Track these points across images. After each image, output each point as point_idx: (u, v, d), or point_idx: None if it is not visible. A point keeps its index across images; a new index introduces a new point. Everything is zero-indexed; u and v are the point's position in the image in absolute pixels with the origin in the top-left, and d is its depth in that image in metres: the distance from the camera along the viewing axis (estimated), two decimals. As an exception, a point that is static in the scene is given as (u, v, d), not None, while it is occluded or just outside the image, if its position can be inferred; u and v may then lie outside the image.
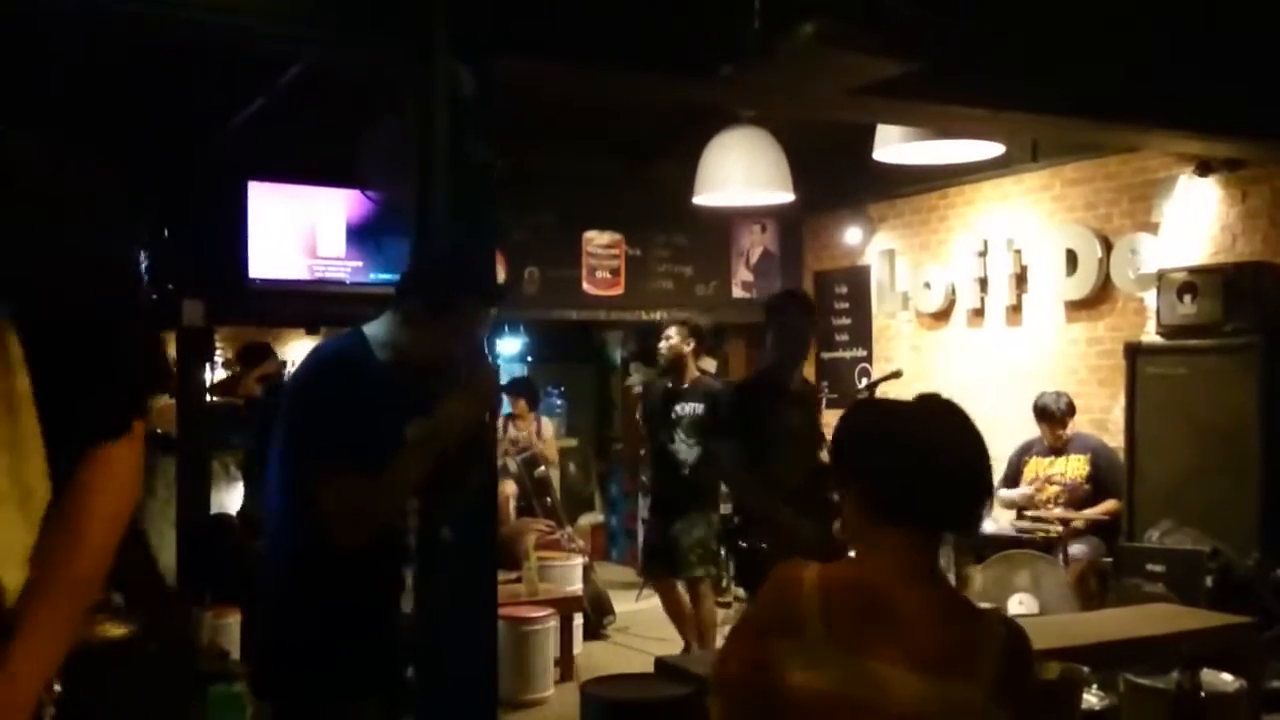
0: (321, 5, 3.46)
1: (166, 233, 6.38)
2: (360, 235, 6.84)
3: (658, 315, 7.86)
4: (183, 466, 6.14)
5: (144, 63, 4.82)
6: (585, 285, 7.80)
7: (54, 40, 4.50)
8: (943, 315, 7.44)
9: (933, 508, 1.69)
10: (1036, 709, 1.66)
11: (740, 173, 5.84)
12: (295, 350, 10.48)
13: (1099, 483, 6.01)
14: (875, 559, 1.69)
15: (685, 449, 5.77)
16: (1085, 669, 2.51)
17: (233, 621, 5.56)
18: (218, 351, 8.76)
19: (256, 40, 3.62)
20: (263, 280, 6.53)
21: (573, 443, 9.27)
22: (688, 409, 5.77)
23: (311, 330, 10.24)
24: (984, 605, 1.92)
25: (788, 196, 6.02)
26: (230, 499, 7.76)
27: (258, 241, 6.51)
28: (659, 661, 3.55)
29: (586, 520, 8.31)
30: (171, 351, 7.62)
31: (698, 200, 6.11)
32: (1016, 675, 1.60)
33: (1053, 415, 6.08)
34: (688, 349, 5.84)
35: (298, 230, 6.66)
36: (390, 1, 3.47)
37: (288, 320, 8.76)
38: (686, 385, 5.83)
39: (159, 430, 7.67)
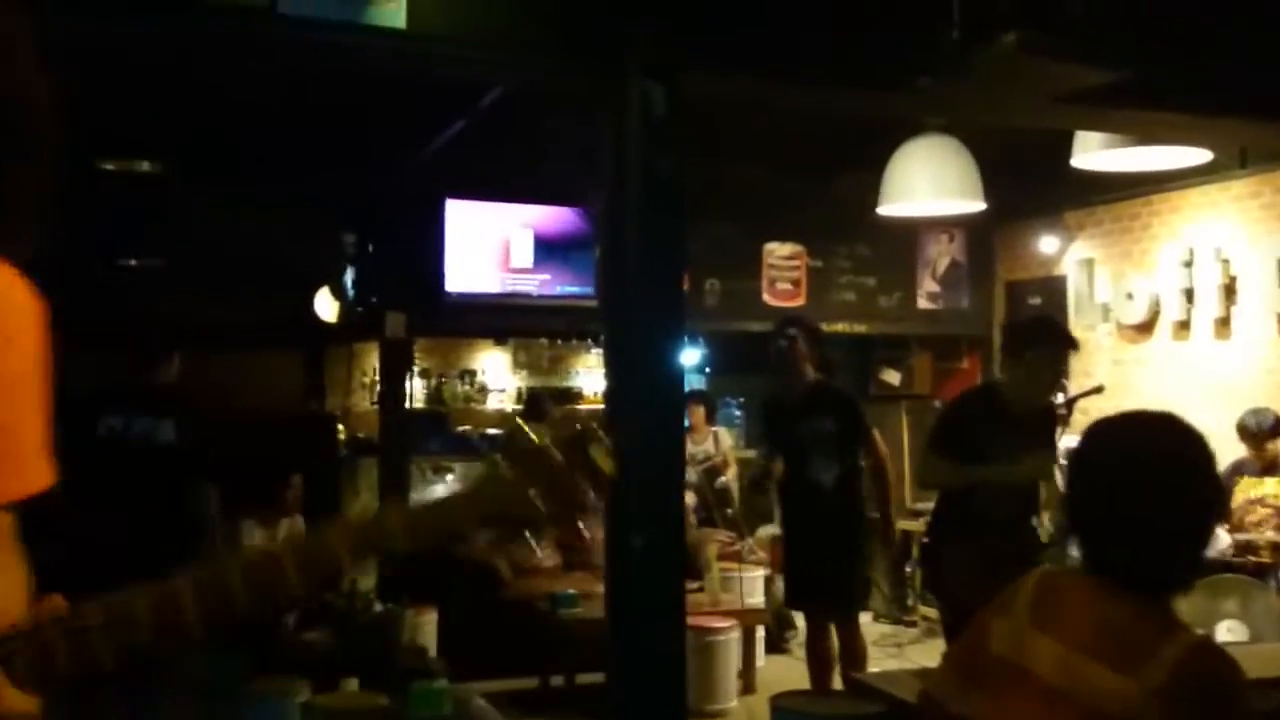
0: (518, 33, 3.60)
1: (372, 249, 6.72)
2: (548, 249, 7.04)
3: (840, 327, 7.78)
4: (384, 469, 6.44)
5: (355, 92, 5.10)
6: (765, 296, 7.80)
7: (268, 70, 4.83)
8: (1146, 328, 7.12)
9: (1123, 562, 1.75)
10: None
11: (927, 182, 5.72)
12: (487, 360, 10.79)
13: (1318, 507, 5.66)
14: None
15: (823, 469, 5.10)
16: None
17: (431, 620, 5.80)
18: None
19: (457, 67, 3.78)
20: (458, 294, 6.80)
21: (751, 454, 9.27)
22: (819, 425, 5.10)
23: (501, 341, 10.52)
24: (1199, 632, 1.91)
25: (978, 205, 5.88)
26: (427, 503, 8.08)
27: (454, 257, 6.78)
28: (850, 679, 3.54)
29: (766, 532, 8.27)
30: (375, 362, 8.01)
31: (882, 211, 6.03)
32: (1191, 692, 1.64)
33: (1252, 434, 5.77)
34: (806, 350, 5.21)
35: (491, 245, 6.90)
36: (584, 26, 3.58)
37: (480, 331, 9.05)
38: (805, 394, 5.19)
39: (360, 435, 8.08)
